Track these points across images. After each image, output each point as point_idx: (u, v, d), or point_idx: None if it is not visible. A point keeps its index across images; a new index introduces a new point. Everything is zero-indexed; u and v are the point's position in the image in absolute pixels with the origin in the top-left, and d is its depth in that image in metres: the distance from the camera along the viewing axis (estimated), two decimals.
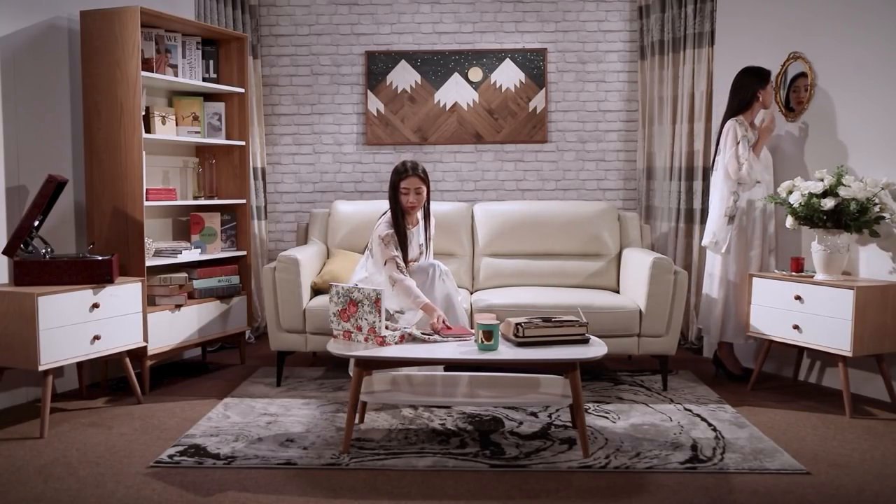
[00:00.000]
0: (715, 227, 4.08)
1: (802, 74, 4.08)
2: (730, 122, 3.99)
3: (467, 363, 3.19)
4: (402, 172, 3.68)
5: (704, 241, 4.16)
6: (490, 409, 3.53)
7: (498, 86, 5.12)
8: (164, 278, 4.04)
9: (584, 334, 3.11)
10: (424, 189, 3.72)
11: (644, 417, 3.44)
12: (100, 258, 3.46)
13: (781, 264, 4.13)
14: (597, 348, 3.04)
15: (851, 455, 3.01)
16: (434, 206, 4.54)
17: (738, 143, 3.93)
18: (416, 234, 3.81)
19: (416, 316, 3.53)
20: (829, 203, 3.53)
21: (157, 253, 4.07)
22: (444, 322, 3.36)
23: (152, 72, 3.99)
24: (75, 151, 3.91)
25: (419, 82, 5.12)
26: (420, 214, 3.84)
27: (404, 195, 3.69)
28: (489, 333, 2.96)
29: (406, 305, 3.57)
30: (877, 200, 3.52)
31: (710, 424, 3.34)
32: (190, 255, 4.16)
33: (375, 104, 5.14)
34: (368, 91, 5.14)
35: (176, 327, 4.02)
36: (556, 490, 2.67)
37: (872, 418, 3.48)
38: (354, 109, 5.20)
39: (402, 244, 3.70)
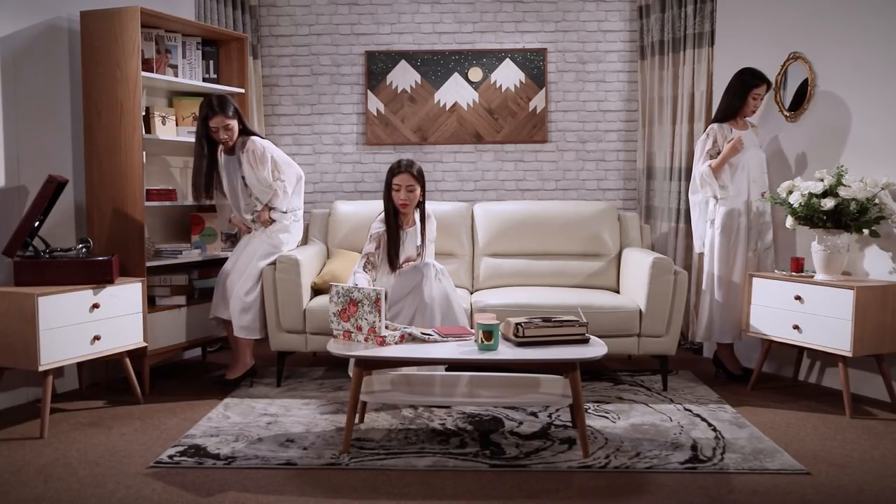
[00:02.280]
0: (700, 230, 4.21)
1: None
2: (704, 134, 4.08)
3: (467, 363, 3.19)
4: (395, 169, 3.73)
5: (697, 249, 4.27)
6: (490, 409, 3.53)
7: (498, 86, 5.12)
8: (164, 279, 4.04)
9: (584, 334, 3.11)
10: (417, 188, 3.73)
11: (644, 417, 3.44)
12: (100, 258, 3.46)
13: (781, 264, 4.12)
14: (597, 348, 3.04)
15: (851, 455, 3.01)
16: (434, 205, 4.54)
17: (700, 159, 4.05)
18: (411, 235, 3.83)
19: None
20: (829, 203, 3.53)
21: (158, 253, 4.07)
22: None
23: (152, 72, 3.99)
24: (75, 151, 3.91)
25: (419, 82, 5.12)
26: (417, 216, 3.85)
27: (395, 191, 3.73)
28: (489, 333, 2.96)
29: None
30: (877, 200, 3.52)
31: (710, 424, 3.34)
32: (190, 255, 4.16)
33: (375, 104, 5.14)
34: (368, 91, 5.14)
35: (176, 327, 4.02)
36: (556, 490, 2.67)
37: (872, 418, 3.48)
38: (354, 109, 5.20)
39: (395, 243, 3.75)
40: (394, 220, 3.77)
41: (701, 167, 4.05)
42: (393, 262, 3.77)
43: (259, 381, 4.06)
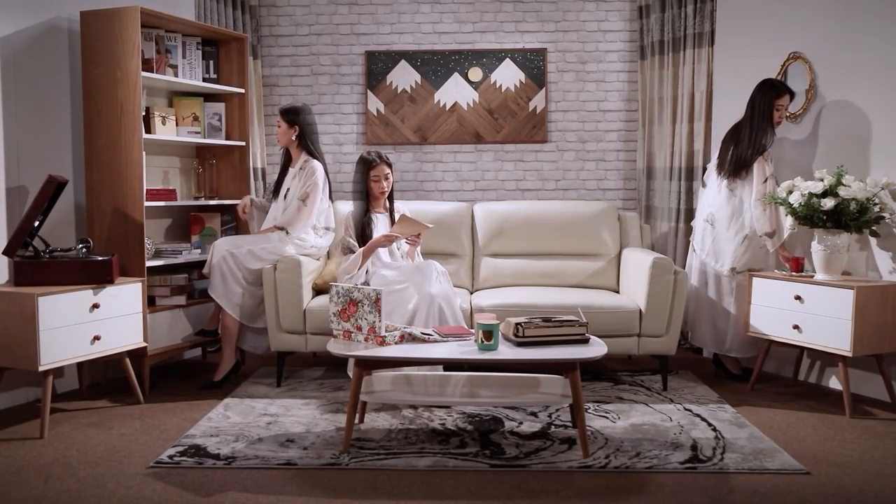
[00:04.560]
0: (741, 250, 4.02)
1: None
2: (761, 158, 3.93)
3: (467, 363, 3.19)
4: (372, 162, 4.00)
5: (725, 268, 4.05)
6: (490, 409, 3.53)
7: (498, 86, 5.12)
8: (164, 279, 4.04)
9: (584, 334, 3.11)
10: (391, 174, 4.06)
11: (644, 417, 3.44)
12: (100, 258, 3.46)
13: (781, 264, 4.12)
14: (597, 348, 3.04)
15: (851, 455, 3.01)
16: (434, 205, 4.59)
17: (767, 181, 3.91)
18: (382, 219, 4.06)
19: (362, 272, 3.87)
20: (829, 203, 3.53)
21: (158, 253, 4.07)
22: (390, 238, 3.86)
23: (152, 72, 3.99)
24: (75, 151, 3.91)
25: (419, 82, 5.12)
26: (386, 201, 4.13)
27: (375, 182, 4.00)
28: (489, 333, 2.96)
29: (354, 274, 3.83)
30: (877, 200, 3.52)
31: (710, 424, 3.34)
32: (190, 255, 4.16)
33: (375, 104, 5.14)
34: (368, 91, 5.14)
35: (176, 327, 4.02)
36: (556, 490, 2.67)
37: (872, 418, 3.48)
38: (354, 109, 5.20)
39: (368, 227, 3.96)
40: (365, 206, 4.03)
41: (772, 188, 3.90)
42: (365, 242, 3.95)
43: (259, 381, 4.06)
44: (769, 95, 3.97)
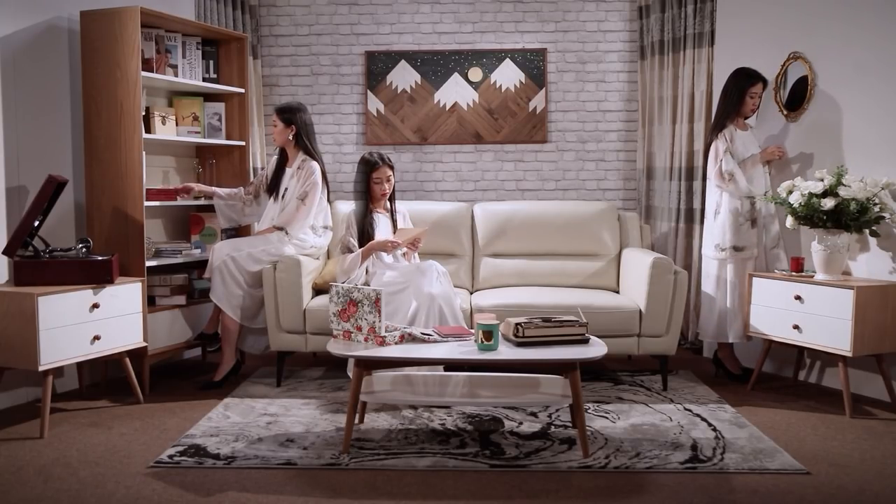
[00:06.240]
0: (717, 227, 4.08)
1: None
2: (717, 140, 4.03)
3: (467, 363, 3.19)
4: (375, 164, 4.03)
5: (716, 251, 4.08)
6: (490, 409, 3.53)
7: (498, 86, 5.12)
8: (164, 278, 4.04)
9: (583, 334, 3.11)
10: (393, 176, 4.10)
11: (644, 417, 3.44)
12: (100, 258, 3.46)
13: (782, 264, 4.12)
14: (597, 348, 3.04)
15: (851, 455, 3.01)
16: (434, 205, 4.59)
17: (723, 159, 4.00)
18: (384, 220, 4.10)
19: (361, 270, 3.92)
20: (829, 203, 3.53)
21: (158, 253, 4.07)
22: (394, 242, 3.91)
23: (152, 72, 3.99)
24: (75, 151, 3.91)
25: (419, 82, 5.12)
26: (386, 202, 4.17)
27: (377, 184, 4.06)
28: (489, 333, 2.96)
29: (353, 274, 3.88)
30: (877, 200, 3.52)
31: (710, 424, 3.34)
32: (190, 255, 4.16)
33: (375, 104, 5.14)
34: (368, 91, 5.14)
35: (176, 327, 4.02)
36: (556, 490, 2.67)
37: (872, 418, 3.48)
38: (354, 109, 5.19)
39: (370, 227, 4.01)
40: (367, 206, 4.07)
41: (726, 166, 3.97)
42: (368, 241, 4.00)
43: (259, 381, 4.06)
44: (742, 84, 4.03)
